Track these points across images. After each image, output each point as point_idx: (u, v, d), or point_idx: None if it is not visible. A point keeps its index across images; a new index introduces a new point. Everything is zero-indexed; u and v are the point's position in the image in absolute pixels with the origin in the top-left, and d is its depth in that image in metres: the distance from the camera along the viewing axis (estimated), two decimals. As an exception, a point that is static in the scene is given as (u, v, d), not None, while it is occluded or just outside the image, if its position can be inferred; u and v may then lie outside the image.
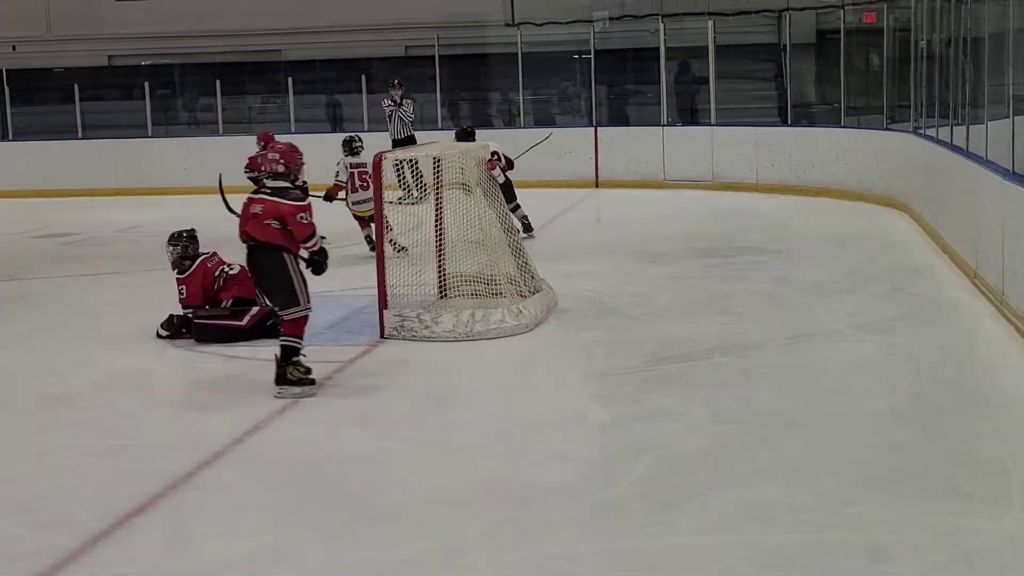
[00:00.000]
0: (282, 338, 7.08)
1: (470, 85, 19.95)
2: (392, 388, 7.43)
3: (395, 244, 9.99)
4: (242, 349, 8.19)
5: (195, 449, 6.06)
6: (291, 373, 7.01)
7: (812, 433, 6.19)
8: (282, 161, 7.10)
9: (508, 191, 12.56)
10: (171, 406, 7.22)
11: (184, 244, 8.77)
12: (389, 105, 16.94)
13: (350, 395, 7.23)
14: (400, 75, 21.10)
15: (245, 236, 7.07)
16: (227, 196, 10.31)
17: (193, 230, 8.91)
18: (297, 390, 6.98)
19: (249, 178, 10.19)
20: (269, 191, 7.07)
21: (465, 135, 13.17)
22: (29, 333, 9.33)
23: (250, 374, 7.68)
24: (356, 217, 12.04)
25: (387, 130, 16.90)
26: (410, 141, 16.33)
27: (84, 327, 9.35)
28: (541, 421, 6.61)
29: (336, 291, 10.02)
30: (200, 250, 8.82)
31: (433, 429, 6.54)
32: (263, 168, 7.22)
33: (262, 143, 12.38)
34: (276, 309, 7.28)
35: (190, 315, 8.54)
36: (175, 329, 8.55)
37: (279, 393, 6.97)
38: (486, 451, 6.11)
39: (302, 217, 7.00)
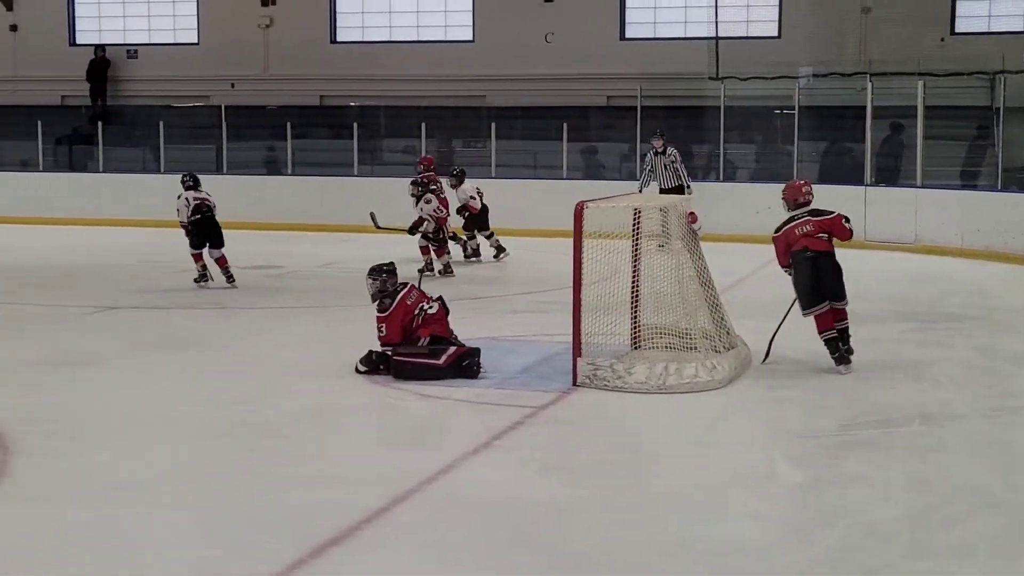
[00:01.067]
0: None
1: (671, 137, 19.93)
2: (582, 436, 7.45)
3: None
4: (437, 388, 8.32)
5: (388, 485, 6.17)
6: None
7: (1014, 511, 5.96)
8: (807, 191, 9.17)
9: (483, 219, 15.77)
10: (366, 441, 7.38)
11: (383, 278, 8.96)
12: (658, 152, 16.66)
13: (541, 441, 7.28)
14: (601, 124, 21.29)
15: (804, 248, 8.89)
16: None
17: (392, 264, 9.09)
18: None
19: None
20: (807, 213, 9.01)
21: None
22: (231, 361, 9.65)
23: (444, 414, 7.81)
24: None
25: (637, 179, 16.84)
26: (679, 190, 16.11)
27: (284, 358, 9.61)
28: (732, 478, 6.53)
29: (529, 336, 10.13)
30: (398, 283, 8.99)
31: (622, 480, 6.53)
32: (795, 199, 9.09)
33: (422, 166, 15.55)
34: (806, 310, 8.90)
35: (388, 352, 8.72)
36: (373, 365, 8.73)
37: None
38: (675, 506, 6.07)
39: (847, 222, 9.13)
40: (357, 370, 8.76)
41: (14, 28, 25.07)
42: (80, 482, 6.30)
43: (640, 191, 16.01)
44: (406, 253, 13.48)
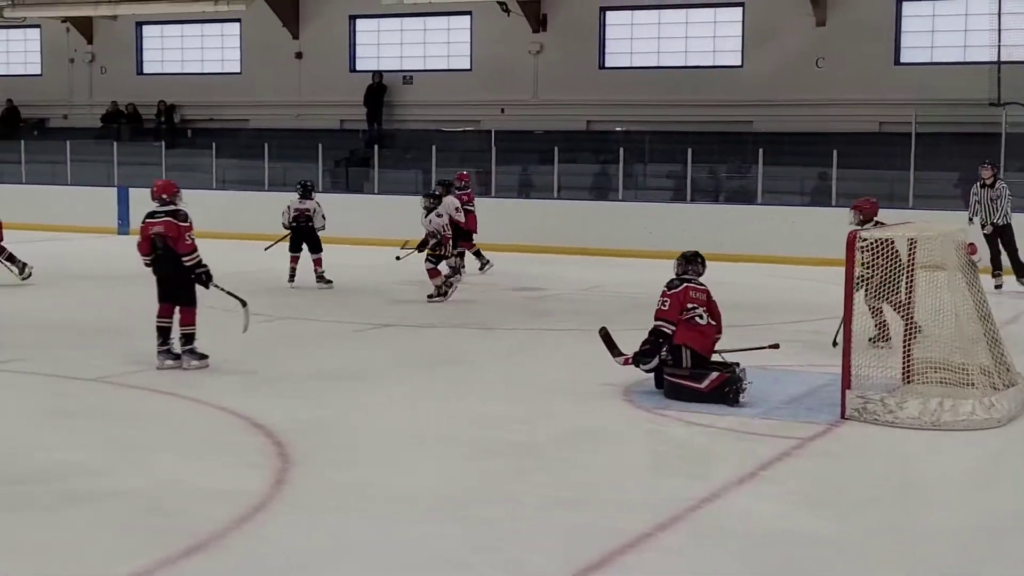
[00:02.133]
0: None
1: (944, 164, 19.24)
2: (851, 470, 7.28)
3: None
4: (702, 415, 8.27)
5: (652, 511, 6.17)
6: None
7: None
8: None
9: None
10: (630, 465, 7.39)
11: (688, 266, 9.17)
12: (985, 184, 15.57)
13: (808, 473, 7.14)
14: (873, 151, 20.72)
15: None
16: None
17: (695, 253, 9.29)
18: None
19: None
20: None
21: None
22: (496, 381, 9.85)
23: (709, 441, 7.76)
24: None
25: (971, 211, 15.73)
26: (1007, 230, 15.46)
27: (549, 380, 9.73)
28: (1009, 521, 6.25)
29: (795, 366, 9.95)
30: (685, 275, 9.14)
31: (892, 517, 6.34)
32: None
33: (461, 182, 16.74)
34: None
35: (663, 328, 8.86)
36: (608, 341, 9.32)
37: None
38: (947, 547, 5.86)
39: None
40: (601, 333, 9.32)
41: (299, 56, 26.33)
42: (356, 494, 6.53)
43: (970, 223, 15.21)
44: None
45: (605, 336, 9.46)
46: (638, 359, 9.04)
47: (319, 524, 5.99)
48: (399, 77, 25.70)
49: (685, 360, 8.79)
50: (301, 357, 10.68)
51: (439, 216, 14.49)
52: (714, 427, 7.97)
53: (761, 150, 20.35)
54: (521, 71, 24.41)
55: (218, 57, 27.70)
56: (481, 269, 17.07)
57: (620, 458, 7.55)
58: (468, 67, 25.20)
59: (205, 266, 9.91)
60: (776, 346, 9.36)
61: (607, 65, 24.15)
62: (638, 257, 18.72)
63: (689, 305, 8.88)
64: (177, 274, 9.85)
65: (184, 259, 9.80)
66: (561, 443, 7.78)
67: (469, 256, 16.57)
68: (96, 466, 6.91)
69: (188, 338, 9.88)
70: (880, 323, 10.19)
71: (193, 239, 9.85)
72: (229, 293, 10.19)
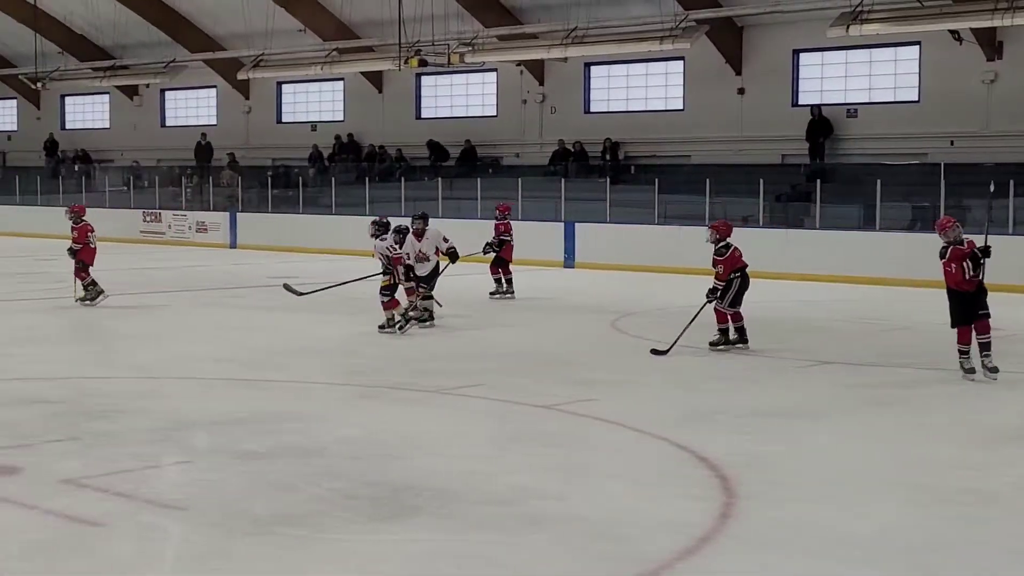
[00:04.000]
0: None
1: None
2: None
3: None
4: None
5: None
6: None
7: None
8: None
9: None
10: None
11: None
12: None
13: None
14: None
15: None
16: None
17: None
18: None
19: None
20: None
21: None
22: (945, 423, 9.52)
23: None
24: None
25: None
26: None
27: (1006, 424, 9.34)
28: None
29: None
30: None
31: None
32: None
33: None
34: None
35: None
36: None
37: None
38: None
39: None
40: None
41: (741, 91, 26.47)
42: (801, 532, 6.51)
43: None
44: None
45: None
46: None
47: (764, 561, 6.03)
48: (842, 111, 25.30)
49: None
50: (738, 391, 10.76)
51: (382, 240, 14.42)
52: None
53: None
54: (973, 101, 23.41)
55: (661, 95, 28.29)
56: (496, 295, 18.02)
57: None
58: (915, 99, 24.44)
59: None
60: None
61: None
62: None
63: None
64: None
65: None
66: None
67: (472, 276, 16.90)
68: (552, 491, 7.26)
69: None
70: None
71: None
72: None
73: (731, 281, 13.03)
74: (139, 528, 6.40)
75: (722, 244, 13.09)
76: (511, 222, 19.09)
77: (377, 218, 15.13)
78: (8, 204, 36.30)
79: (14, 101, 42.28)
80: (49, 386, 10.57)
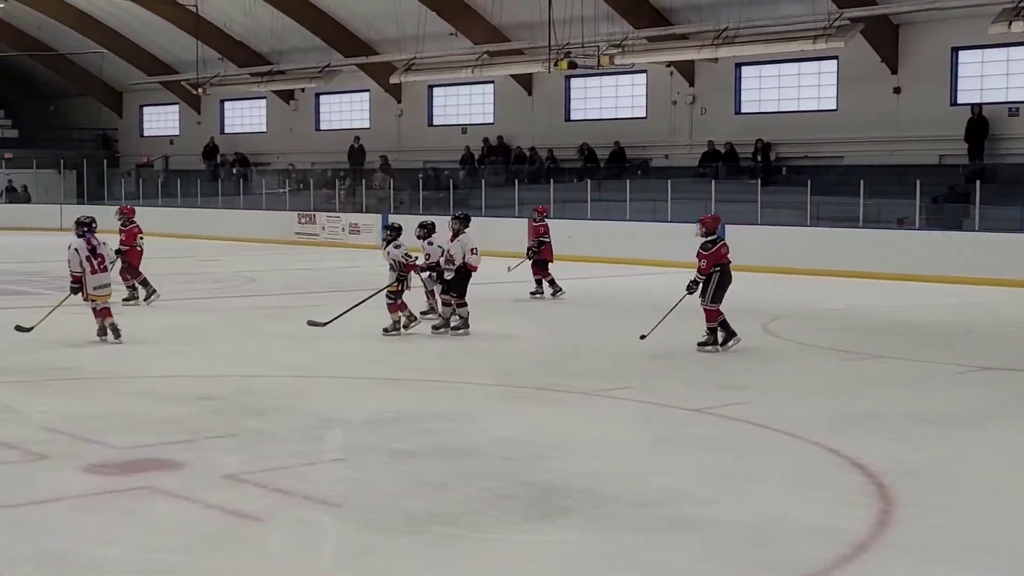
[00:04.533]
0: None
1: None
2: None
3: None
4: None
5: None
6: None
7: None
8: None
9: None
10: None
11: None
12: None
13: None
14: None
15: None
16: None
17: None
18: None
19: None
20: None
21: (396, 231, 14.40)
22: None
23: None
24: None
25: None
26: None
27: None
28: None
29: None
30: None
31: None
32: None
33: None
34: None
35: None
36: None
37: None
38: None
39: None
40: None
41: (897, 91, 25.92)
42: (960, 543, 6.36)
43: None
44: None
45: None
46: None
47: (922, 570, 5.91)
48: (1003, 109, 24.60)
49: None
50: (893, 396, 10.54)
51: (397, 247, 14.18)
52: None
53: None
54: None
55: (814, 95, 27.87)
56: (555, 295, 18.34)
57: None
58: (1082, 95, 23.69)
59: None
60: None
61: None
62: None
63: None
64: None
65: None
66: None
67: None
68: (704, 494, 7.21)
69: None
70: None
71: None
72: None
73: (711, 276, 12.81)
74: (297, 524, 6.55)
75: (709, 239, 12.92)
76: (548, 223, 19.09)
77: (394, 224, 15.23)
78: (170, 206, 37.46)
79: (176, 107, 43.58)
80: (210, 383, 10.88)
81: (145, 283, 17.17)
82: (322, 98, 38.79)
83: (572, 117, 32.47)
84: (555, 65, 26.25)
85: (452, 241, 14.54)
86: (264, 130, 40.94)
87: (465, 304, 14.34)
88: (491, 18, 30.69)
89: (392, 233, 14.53)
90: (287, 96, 39.01)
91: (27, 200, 41.34)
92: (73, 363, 11.92)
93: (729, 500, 7.12)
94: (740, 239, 24.95)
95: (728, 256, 13.01)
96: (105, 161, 42.82)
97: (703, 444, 8.69)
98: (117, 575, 5.79)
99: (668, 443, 8.75)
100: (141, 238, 17.30)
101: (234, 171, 39.16)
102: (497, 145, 32.99)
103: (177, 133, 44.18)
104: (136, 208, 18.23)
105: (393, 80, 32.79)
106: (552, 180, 29.39)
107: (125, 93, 45.03)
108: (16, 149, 43.95)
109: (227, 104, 42.10)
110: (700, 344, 12.86)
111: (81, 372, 11.52)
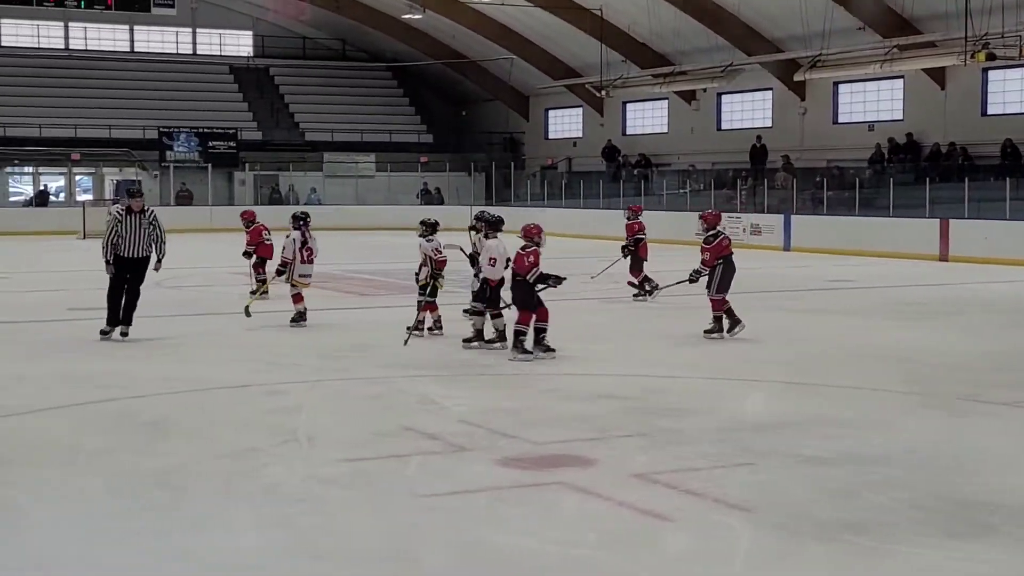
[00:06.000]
0: None
1: None
2: None
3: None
4: None
5: None
6: None
7: None
8: None
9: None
10: None
11: None
12: None
13: None
14: None
15: None
16: None
17: None
18: None
19: None
20: None
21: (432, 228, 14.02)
22: None
23: None
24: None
25: None
26: None
27: None
28: None
29: None
30: None
31: None
32: None
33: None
34: None
35: None
36: None
37: None
38: None
39: None
40: None
41: None
42: None
43: None
44: None
45: None
46: None
47: None
48: None
49: None
50: None
51: (429, 241, 13.99)
52: None
53: None
54: None
55: None
56: (651, 294, 17.63)
57: None
58: None
59: None
60: None
61: None
62: None
63: None
64: None
65: None
66: None
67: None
68: None
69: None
70: None
71: None
72: None
73: (715, 268, 13.46)
74: (707, 526, 6.55)
75: (711, 233, 13.66)
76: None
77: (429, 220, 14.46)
78: (572, 207, 38.44)
79: (580, 109, 44.70)
80: (618, 382, 11.07)
81: (264, 282, 17.16)
82: (724, 97, 38.71)
83: (989, 112, 30.87)
84: (971, 57, 25.06)
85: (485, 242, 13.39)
86: (665, 131, 41.30)
87: (500, 315, 13.03)
88: (901, 10, 29.68)
89: (427, 230, 14.06)
90: (688, 96, 39.18)
91: (440, 202, 43.52)
92: (487, 360, 12.42)
93: None
94: None
95: (730, 248, 13.76)
96: (512, 163, 44.52)
97: None
98: (535, 567, 5.98)
99: None
100: (267, 232, 18.44)
101: (635, 172, 39.71)
102: (905, 142, 31.82)
103: (580, 135, 45.29)
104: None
105: (797, 77, 32.29)
106: (967, 178, 28.01)
107: (532, 97, 46.63)
108: (431, 153, 46.43)
109: (629, 105, 42.76)
110: (706, 332, 13.53)
111: (490, 368, 11.97)
